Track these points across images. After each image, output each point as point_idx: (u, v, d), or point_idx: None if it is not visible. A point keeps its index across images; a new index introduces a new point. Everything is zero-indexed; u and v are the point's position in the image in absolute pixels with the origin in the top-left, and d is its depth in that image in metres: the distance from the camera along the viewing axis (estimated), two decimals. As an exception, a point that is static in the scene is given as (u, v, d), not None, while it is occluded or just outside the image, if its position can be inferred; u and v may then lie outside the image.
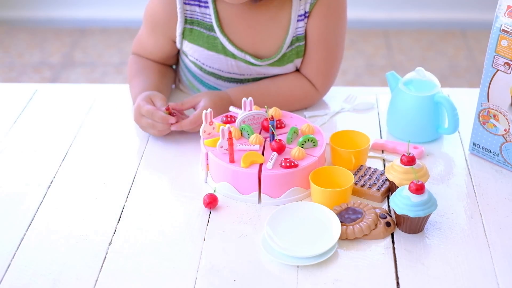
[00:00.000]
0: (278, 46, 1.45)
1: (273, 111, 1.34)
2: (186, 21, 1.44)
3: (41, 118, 1.52)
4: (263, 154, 1.27)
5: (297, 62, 1.49)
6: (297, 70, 1.52)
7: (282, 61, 1.47)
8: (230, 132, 1.22)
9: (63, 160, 1.37)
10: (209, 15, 1.43)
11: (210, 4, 1.43)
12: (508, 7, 1.22)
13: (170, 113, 1.37)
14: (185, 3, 1.43)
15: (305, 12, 1.43)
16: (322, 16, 1.44)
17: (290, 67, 1.49)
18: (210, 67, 1.49)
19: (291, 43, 1.45)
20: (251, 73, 1.50)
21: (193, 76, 1.57)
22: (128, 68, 1.57)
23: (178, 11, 1.43)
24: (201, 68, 1.51)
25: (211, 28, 1.44)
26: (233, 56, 1.46)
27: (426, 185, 1.23)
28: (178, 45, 1.49)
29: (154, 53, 1.54)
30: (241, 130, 1.31)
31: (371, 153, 1.37)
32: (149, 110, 1.36)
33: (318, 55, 1.47)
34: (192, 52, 1.48)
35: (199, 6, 1.43)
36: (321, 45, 1.46)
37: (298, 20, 1.44)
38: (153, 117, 1.35)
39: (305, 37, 1.46)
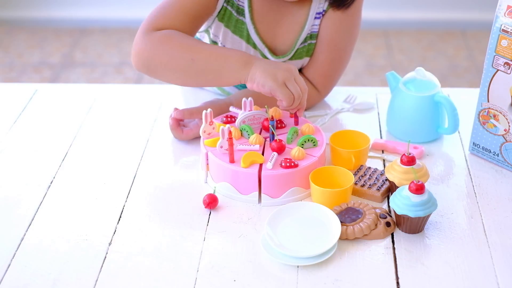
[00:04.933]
0: (292, 41, 1.45)
1: (273, 111, 1.34)
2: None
3: (41, 118, 1.52)
4: (263, 154, 1.27)
5: (305, 60, 1.49)
6: (300, 70, 1.52)
7: (292, 57, 1.47)
8: (230, 132, 1.22)
9: (63, 160, 1.37)
10: None
11: None
12: (508, 7, 1.22)
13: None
14: None
15: (323, 10, 1.43)
16: (336, 17, 1.44)
17: (297, 63, 1.49)
18: None
19: (305, 40, 1.45)
20: None
21: None
22: (175, 39, 1.32)
23: None
24: None
25: (241, 12, 1.43)
26: (254, 46, 1.45)
27: (426, 185, 1.23)
28: (210, 21, 1.43)
29: (192, 10, 1.37)
30: (241, 130, 1.31)
31: (371, 153, 1.37)
32: (304, 86, 1.27)
33: (324, 56, 1.47)
34: (217, 31, 1.46)
35: None
36: (329, 47, 1.46)
37: (315, 18, 1.44)
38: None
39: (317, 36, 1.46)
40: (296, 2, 1.42)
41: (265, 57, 1.46)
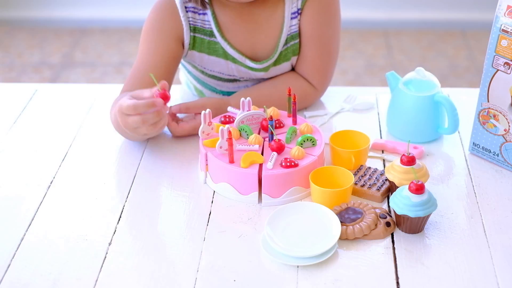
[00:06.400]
0: (274, 45, 1.46)
1: (271, 111, 1.34)
2: (190, 29, 1.43)
3: (41, 118, 1.52)
4: (262, 154, 1.27)
5: (294, 59, 1.49)
6: (294, 69, 1.52)
7: (278, 60, 1.47)
8: (229, 133, 1.22)
9: (63, 160, 1.37)
10: (208, 21, 1.43)
11: (208, 10, 1.42)
12: (508, 7, 1.22)
13: (164, 96, 1.20)
14: (187, 11, 1.42)
15: (298, 9, 1.44)
16: (314, 12, 1.44)
17: (286, 65, 1.49)
18: (211, 70, 1.49)
19: (286, 42, 1.46)
20: (250, 76, 1.50)
21: (194, 77, 1.57)
22: (113, 107, 1.36)
23: (183, 19, 1.41)
24: (202, 72, 1.51)
25: (211, 34, 1.44)
26: (233, 60, 1.46)
27: (426, 185, 1.23)
28: (184, 54, 1.46)
29: (163, 63, 1.42)
30: (239, 130, 1.30)
31: (371, 153, 1.37)
32: (130, 104, 1.19)
33: (312, 52, 1.47)
34: (193, 59, 1.48)
35: (198, 13, 1.43)
36: (314, 42, 1.46)
37: (291, 18, 1.44)
38: (137, 110, 1.19)
39: (299, 34, 1.46)
40: (267, 7, 1.43)
41: (247, 67, 1.47)
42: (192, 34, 1.44)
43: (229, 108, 1.37)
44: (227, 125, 1.23)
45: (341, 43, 1.60)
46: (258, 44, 1.46)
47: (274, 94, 1.46)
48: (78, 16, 3.70)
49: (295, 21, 1.45)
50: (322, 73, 1.50)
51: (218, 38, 1.43)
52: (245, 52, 1.46)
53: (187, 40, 1.44)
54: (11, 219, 1.21)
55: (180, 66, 1.61)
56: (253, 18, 1.44)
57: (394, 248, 1.13)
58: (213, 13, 1.42)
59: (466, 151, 1.39)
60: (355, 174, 1.27)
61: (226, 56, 1.46)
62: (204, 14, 1.42)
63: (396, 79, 1.42)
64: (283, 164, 1.22)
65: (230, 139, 1.22)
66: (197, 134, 1.31)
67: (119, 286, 1.07)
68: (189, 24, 1.42)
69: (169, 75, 1.44)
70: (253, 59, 1.47)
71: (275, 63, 1.48)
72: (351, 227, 1.14)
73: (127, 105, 1.19)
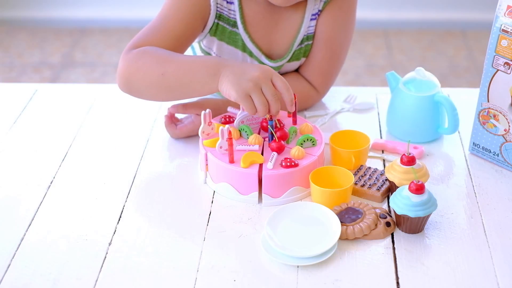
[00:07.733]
0: (289, 45, 1.46)
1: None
2: (216, 15, 1.42)
3: (41, 118, 1.52)
4: (262, 154, 1.27)
5: (303, 60, 1.49)
6: (297, 70, 1.52)
7: (290, 59, 1.47)
8: (230, 133, 1.22)
9: (63, 160, 1.37)
10: (234, 11, 1.42)
11: (236, 0, 1.42)
12: (508, 7, 1.22)
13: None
14: None
15: (319, 11, 1.44)
16: (332, 15, 1.44)
17: (295, 64, 1.50)
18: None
19: (301, 42, 1.46)
20: None
21: None
22: (147, 54, 1.31)
23: (212, 3, 1.39)
24: None
25: (234, 24, 1.44)
26: (250, 54, 1.46)
27: (426, 185, 1.23)
28: (201, 37, 1.45)
29: (184, 34, 1.38)
30: (239, 131, 1.30)
31: (371, 153, 1.37)
32: (285, 84, 1.22)
33: (321, 54, 1.47)
34: (210, 45, 1.47)
35: (226, 1, 1.42)
36: (326, 44, 1.47)
37: (311, 19, 1.44)
38: (272, 96, 1.20)
39: (314, 36, 1.46)
40: (290, 6, 1.43)
41: (262, 63, 1.47)
42: (216, 20, 1.43)
43: (229, 108, 1.37)
44: (227, 125, 1.23)
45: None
46: (274, 42, 1.46)
47: None
48: (78, 16, 3.70)
49: (313, 22, 1.45)
50: (327, 76, 1.50)
51: (240, 30, 1.43)
52: (262, 48, 1.46)
53: (209, 25, 1.43)
54: (11, 219, 1.21)
55: None
56: (274, 16, 1.44)
57: (394, 248, 1.13)
58: (240, 4, 1.42)
59: (466, 151, 1.39)
60: (355, 174, 1.27)
61: (244, 48, 1.46)
62: (231, 3, 1.42)
63: (396, 79, 1.42)
64: (283, 164, 1.22)
65: (230, 139, 1.22)
66: (196, 135, 1.31)
67: (119, 286, 1.07)
68: (216, 10, 1.42)
69: (181, 44, 1.39)
70: (268, 56, 1.47)
71: (287, 61, 1.48)
72: (351, 227, 1.14)
73: (283, 81, 1.22)
